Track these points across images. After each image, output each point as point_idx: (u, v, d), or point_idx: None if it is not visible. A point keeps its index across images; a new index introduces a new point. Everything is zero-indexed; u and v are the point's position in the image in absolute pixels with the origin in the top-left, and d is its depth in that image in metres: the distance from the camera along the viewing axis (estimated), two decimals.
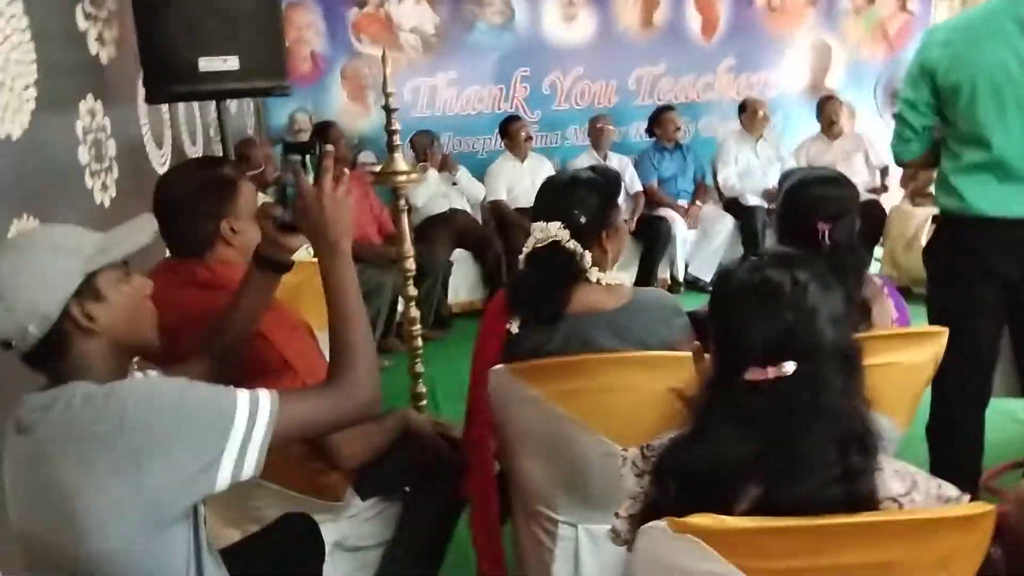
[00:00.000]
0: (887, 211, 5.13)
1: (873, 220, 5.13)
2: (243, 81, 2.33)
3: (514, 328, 1.59)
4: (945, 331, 1.71)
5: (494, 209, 5.17)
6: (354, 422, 1.27)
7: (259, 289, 1.49)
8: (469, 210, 5.13)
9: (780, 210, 1.88)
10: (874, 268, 5.19)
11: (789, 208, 1.84)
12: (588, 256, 1.59)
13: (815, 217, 1.75)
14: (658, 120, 5.41)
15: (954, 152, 1.96)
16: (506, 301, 1.63)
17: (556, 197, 1.64)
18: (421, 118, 5.45)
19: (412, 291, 2.77)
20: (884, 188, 5.41)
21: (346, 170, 1.33)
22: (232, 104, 4.23)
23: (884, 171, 5.47)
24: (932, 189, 4.71)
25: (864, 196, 5.31)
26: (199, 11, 2.24)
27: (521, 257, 1.65)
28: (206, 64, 2.24)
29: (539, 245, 1.60)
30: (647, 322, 1.60)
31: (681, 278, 5.29)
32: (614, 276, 1.63)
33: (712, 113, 5.98)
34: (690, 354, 1.26)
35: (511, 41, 5.63)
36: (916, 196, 4.96)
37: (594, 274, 1.59)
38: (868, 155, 5.46)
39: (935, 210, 4.34)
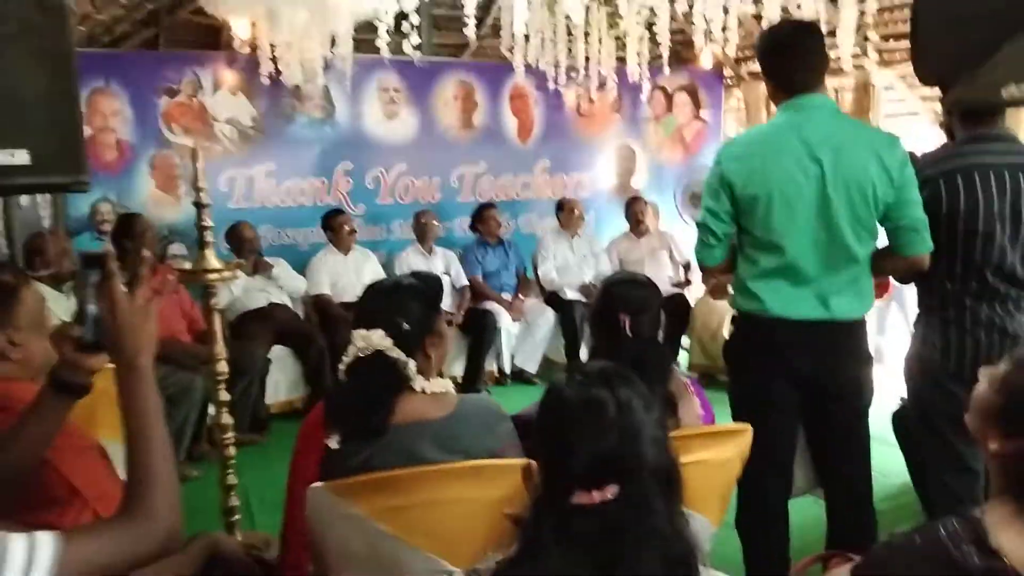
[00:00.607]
0: (691, 304, 5.52)
1: (679, 312, 5.50)
2: (33, 176, 2.10)
3: (333, 444, 1.51)
4: (749, 428, 1.83)
5: (317, 303, 5.03)
6: (155, 557, 1.14)
7: (51, 414, 1.32)
8: (289, 304, 4.96)
9: (593, 306, 2.03)
10: (683, 357, 5.54)
11: (599, 304, 1.99)
12: (412, 364, 1.55)
13: (619, 311, 1.88)
14: (481, 217, 5.56)
15: (751, 258, 2.13)
16: (325, 414, 1.56)
17: (378, 305, 1.60)
18: (237, 209, 5.27)
19: (224, 396, 2.61)
20: (688, 282, 5.83)
21: (144, 272, 1.20)
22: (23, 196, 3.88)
23: (687, 266, 5.90)
24: (730, 289, 5.16)
25: (670, 291, 5.70)
26: None
27: (341, 368, 1.58)
28: None
29: (361, 355, 1.55)
30: (472, 431, 1.57)
31: (508, 370, 5.36)
32: (439, 383, 1.60)
33: (531, 210, 6.23)
34: (515, 462, 1.24)
35: (333, 135, 5.63)
36: (716, 293, 5.37)
37: (419, 383, 1.56)
38: (673, 251, 5.88)
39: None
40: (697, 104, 6.62)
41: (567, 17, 4.95)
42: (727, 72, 6.62)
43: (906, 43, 4.91)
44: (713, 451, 1.78)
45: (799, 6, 3.69)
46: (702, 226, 2.17)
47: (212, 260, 2.57)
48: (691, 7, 3.83)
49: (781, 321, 2.09)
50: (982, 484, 2.32)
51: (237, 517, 2.51)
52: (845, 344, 2.15)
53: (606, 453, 1.02)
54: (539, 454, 1.10)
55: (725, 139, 2.11)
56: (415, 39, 3.52)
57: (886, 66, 4.96)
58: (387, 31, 3.48)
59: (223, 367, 2.58)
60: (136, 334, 1.13)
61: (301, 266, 5.15)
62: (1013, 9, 1.78)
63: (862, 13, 3.88)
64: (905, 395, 2.43)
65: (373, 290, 1.66)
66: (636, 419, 1.05)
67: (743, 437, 1.83)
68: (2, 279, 1.50)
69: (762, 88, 6.32)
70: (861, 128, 2.13)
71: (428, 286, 1.66)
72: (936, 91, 5.13)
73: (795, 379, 2.12)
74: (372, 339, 1.53)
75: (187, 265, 2.75)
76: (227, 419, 2.60)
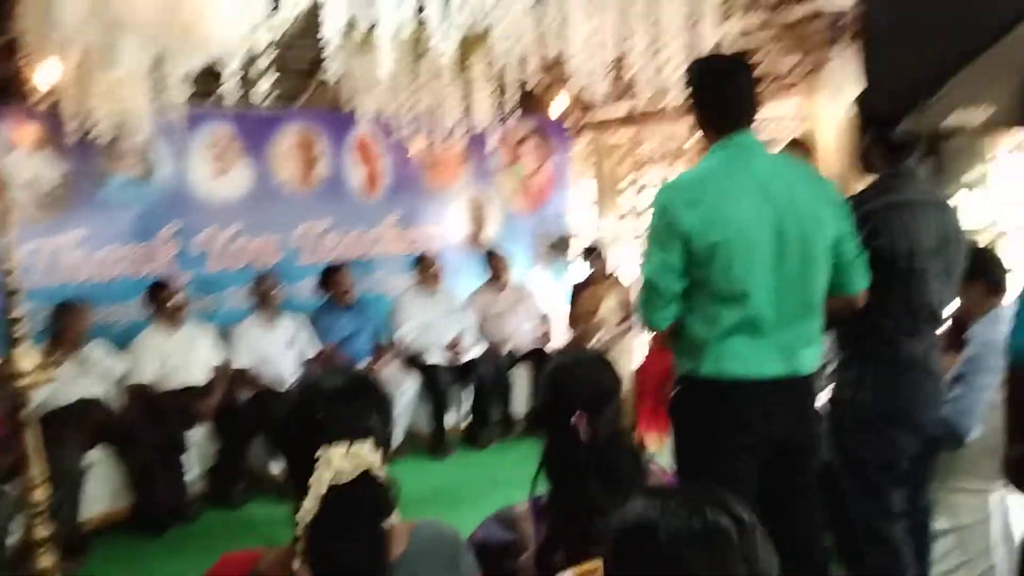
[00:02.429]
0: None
1: (545, 367, 5.27)
2: None
3: None
4: None
5: (140, 393, 4.31)
6: None
7: None
8: (103, 395, 4.21)
9: (539, 399, 1.66)
10: None
11: (547, 397, 1.61)
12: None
13: (572, 408, 1.51)
14: (330, 279, 5.09)
15: (710, 315, 1.88)
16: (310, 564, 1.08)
17: (353, 406, 1.18)
18: (39, 287, 4.46)
19: (43, 532, 2.05)
20: (550, 336, 5.64)
21: None
22: None
23: (547, 319, 5.72)
24: (597, 337, 5.02)
25: (533, 344, 5.48)
26: None
27: (308, 505, 1.10)
28: None
29: (343, 480, 1.10)
30: (433, 571, 1.19)
31: None
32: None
33: (382, 268, 5.82)
34: None
35: (154, 196, 4.96)
36: (582, 342, 5.20)
37: None
38: (533, 304, 5.68)
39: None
40: (544, 152, 6.54)
41: (414, 63, 4.68)
42: (571, 120, 6.60)
43: None
44: None
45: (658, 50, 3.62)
46: (652, 284, 1.89)
47: (25, 361, 2.05)
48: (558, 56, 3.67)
49: (747, 382, 1.86)
50: (908, 527, 2.25)
51: None
52: (810, 400, 1.97)
53: None
54: None
55: (667, 182, 1.79)
56: (265, 84, 3.07)
57: None
58: (221, 78, 3.02)
59: (40, 495, 2.04)
60: None
61: (120, 347, 4.44)
62: (955, 51, 1.72)
63: None
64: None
65: (337, 389, 1.22)
66: (763, 547, 0.82)
67: None
68: None
69: (607, 136, 6.37)
70: (798, 165, 1.99)
71: (375, 383, 1.27)
72: None
73: (764, 446, 1.88)
74: (362, 455, 1.10)
75: None
76: (47, 563, 2.04)
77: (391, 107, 4.98)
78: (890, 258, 2.06)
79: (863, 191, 2.16)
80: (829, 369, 2.36)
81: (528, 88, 5.90)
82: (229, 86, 3.12)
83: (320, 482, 1.09)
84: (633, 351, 5.27)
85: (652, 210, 1.96)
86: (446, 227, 6.13)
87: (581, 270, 5.54)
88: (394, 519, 1.17)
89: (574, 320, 5.42)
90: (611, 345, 5.07)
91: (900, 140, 2.02)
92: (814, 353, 1.96)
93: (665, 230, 1.87)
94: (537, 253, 6.39)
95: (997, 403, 2.47)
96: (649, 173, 6.26)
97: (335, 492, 1.09)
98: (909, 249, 2.07)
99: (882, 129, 2.05)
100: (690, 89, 2.02)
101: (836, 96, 3.58)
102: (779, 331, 1.87)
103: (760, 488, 1.97)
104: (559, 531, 1.44)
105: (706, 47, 3.79)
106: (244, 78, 3.19)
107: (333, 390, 1.23)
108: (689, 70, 2.06)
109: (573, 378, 1.57)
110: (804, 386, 1.95)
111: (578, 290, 5.45)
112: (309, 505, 1.09)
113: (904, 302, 2.11)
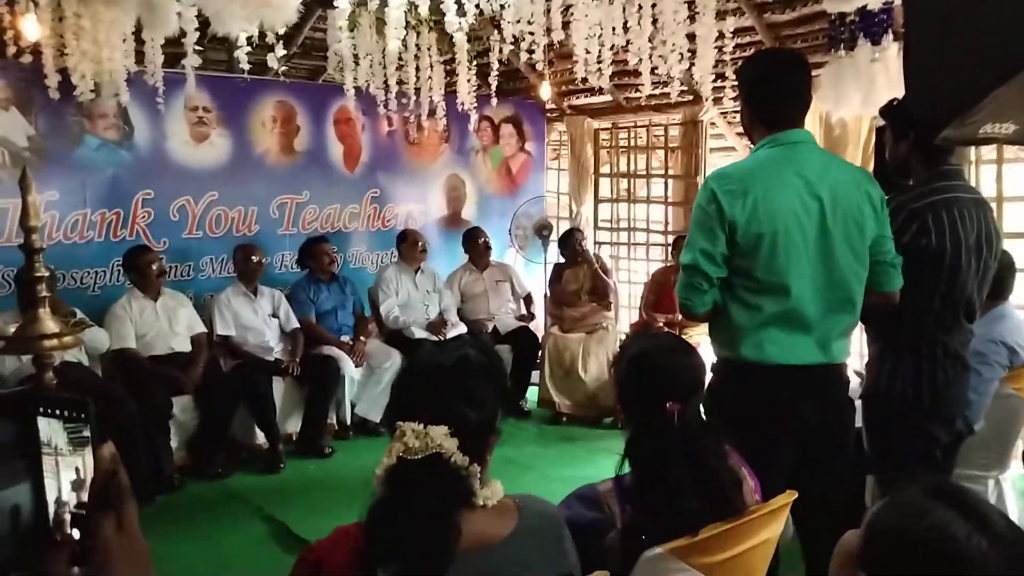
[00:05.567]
0: (538, 338, 5.38)
1: (527, 347, 5.33)
2: None
3: None
4: (795, 494, 1.64)
5: (121, 359, 4.21)
6: None
7: None
8: (86, 362, 4.11)
9: (622, 386, 1.65)
10: (532, 392, 5.36)
11: (632, 381, 1.63)
12: (477, 471, 1.17)
13: (663, 396, 1.54)
14: (312, 251, 5.03)
15: (751, 304, 1.93)
16: (361, 548, 1.11)
17: (439, 388, 1.19)
18: (7, 247, 4.30)
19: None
20: (532, 316, 5.69)
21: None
22: None
23: (528, 299, 5.77)
24: (593, 321, 5.09)
25: (514, 324, 5.52)
26: None
27: (379, 473, 1.15)
28: None
29: (411, 457, 1.13)
30: (541, 550, 1.22)
31: (349, 421, 4.85)
32: (496, 490, 1.22)
33: (360, 243, 5.78)
34: None
35: (130, 160, 4.82)
36: (562, 323, 5.27)
37: (481, 495, 1.18)
38: (514, 284, 5.72)
39: (583, 335, 4.49)
40: (522, 136, 6.56)
41: (400, 40, 4.64)
42: (549, 105, 6.62)
43: (727, 82, 5.18)
44: (773, 527, 1.58)
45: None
46: (694, 269, 1.94)
47: (48, 323, 2.00)
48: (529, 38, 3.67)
49: (786, 367, 1.93)
50: None
51: None
52: (843, 386, 2.04)
53: None
54: None
55: (709, 175, 1.80)
56: (280, 50, 3.03)
57: (714, 104, 5.17)
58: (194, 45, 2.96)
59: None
60: None
61: (93, 314, 4.30)
62: (999, 60, 1.80)
63: (720, 49, 3.97)
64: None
65: (430, 368, 1.24)
66: None
67: (789, 504, 1.64)
68: None
69: (587, 123, 6.40)
70: (846, 164, 2.06)
71: (497, 363, 1.28)
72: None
73: (800, 429, 1.96)
74: (433, 437, 1.12)
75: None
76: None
77: (375, 82, 4.94)
78: (937, 254, 2.12)
79: (908, 190, 2.22)
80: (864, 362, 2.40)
81: (512, 72, 5.95)
82: (242, 53, 3.07)
83: (391, 453, 1.14)
84: (615, 328, 5.36)
85: (698, 197, 2.01)
86: (426, 206, 6.11)
87: (562, 251, 5.58)
88: (497, 493, 1.21)
89: (557, 299, 5.46)
90: (593, 322, 5.18)
91: (955, 144, 2.09)
92: (846, 343, 2.04)
93: (712, 219, 1.92)
94: (513, 235, 6.42)
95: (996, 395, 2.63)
96: (628, 161, 6.36)
97: (404, 466, 1.13)
98: (955, 245, 2.13)
99: (924, 134, 2.12)
100: (745, 83, 2.07)
101: (835, 97, 3.68)
102: (817, 324, 1.94)
103: (793, 472, 2.04)
104: (645, 513, 1.49)
105: (705, 42, 3.89)
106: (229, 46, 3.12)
107: (431, 366, 1.26)
108: (745, 64, 2.11)
109: (665, 367, 1.60)
110: (837, 373, 2.03)
111: (560, 270, 5.50)
112: (379, 471, 1.15)
113: (946, 297, 2.16)
